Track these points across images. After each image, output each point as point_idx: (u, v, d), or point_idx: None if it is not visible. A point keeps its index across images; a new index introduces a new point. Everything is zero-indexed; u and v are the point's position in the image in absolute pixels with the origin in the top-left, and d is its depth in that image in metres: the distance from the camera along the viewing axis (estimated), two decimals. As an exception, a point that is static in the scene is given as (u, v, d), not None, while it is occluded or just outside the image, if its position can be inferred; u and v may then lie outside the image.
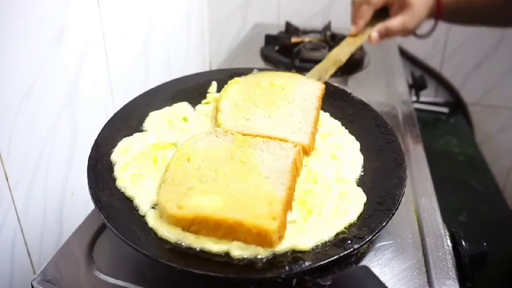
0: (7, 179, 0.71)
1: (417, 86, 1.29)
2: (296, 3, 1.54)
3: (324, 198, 0.56)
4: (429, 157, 0.80)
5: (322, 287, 0.47)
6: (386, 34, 0.92)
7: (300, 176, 0.60)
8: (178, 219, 0.51)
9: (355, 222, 0.54)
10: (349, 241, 0.50)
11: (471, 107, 1.56)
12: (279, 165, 0.57)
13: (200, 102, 0.75)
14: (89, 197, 0.54)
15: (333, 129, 0.70)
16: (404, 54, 1.50)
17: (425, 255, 0.58)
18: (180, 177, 0.55)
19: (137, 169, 0.60)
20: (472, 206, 1.12)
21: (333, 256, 0.48)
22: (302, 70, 1.08)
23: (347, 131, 0.70)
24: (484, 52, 1.48)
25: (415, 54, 1.52)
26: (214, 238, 0.50)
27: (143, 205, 0.55)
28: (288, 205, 0.53)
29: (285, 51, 1.18)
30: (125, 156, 0.62)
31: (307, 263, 0.47)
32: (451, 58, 1.52)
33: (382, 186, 0.59)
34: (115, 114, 0.69)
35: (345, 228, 0.53)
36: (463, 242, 0.61)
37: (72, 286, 0.54)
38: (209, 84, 0.79)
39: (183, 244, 0.50)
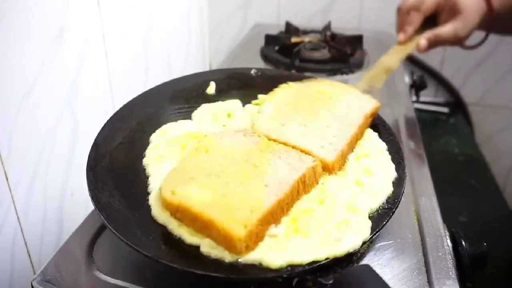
0: (7, 179, 0.71)
1: (417, 86, 1.29)
2: (296, 3, 1.54)
3: (320, 222, 0.52)
4: (429, 157, 0.80)
5: (324, 286, 0.47)
6: (435, 42, 0.87)
7: (310, 193, 0.57)
8: (167, 203, 0.53)
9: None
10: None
11: (471, 107, 1.56)
12: (287, 176, 0.55)
13: (198, 103, 0.75)
14: (89, 197, 0.54)
15: (373, 151, 0.64)
16: (404, 54, 1.49)
17: (425, 255, 0.58)
18: (190, 166, 0.57)
19: (164, 152, 0.63)
20: (472, 206, 1.12)
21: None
22: (302, 70, 1.08)
23: (389, 156, 0.64)
24: (484, 52, 1.48)
25: (415, 54, 1.52)
26: (193, 229, 0.51)
27: (154, 182, 0.58)
28: (271, 218, 0.51)
29: (285, 51, 1.18)
30: (160, 138, 0.66)
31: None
32: (451, 58, 1.52)
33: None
34: (114, 115, 0.69)
35: (326, 259, 0.48)
36: (463, 242, 0.61)
37: (72, 286, 0.54)
38: (207, 84, 0.79)
39: (168, 227, 0.52)
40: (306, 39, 1.23)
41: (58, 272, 0.55)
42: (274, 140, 0.63)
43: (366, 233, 0.51)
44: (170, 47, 1.29)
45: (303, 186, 0.56)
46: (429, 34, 0.87)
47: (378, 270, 0.55)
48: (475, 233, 1.00)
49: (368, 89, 0.78)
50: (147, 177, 0.60)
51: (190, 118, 0.72)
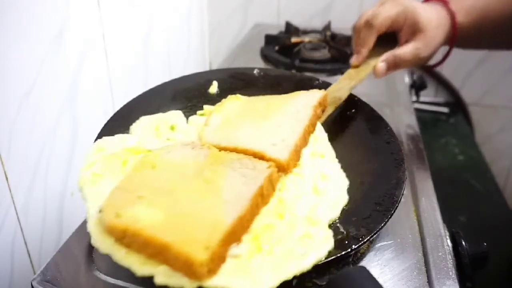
0: (7, 179, 0.71)
1: (417, 86, 1.29)
2: (296, 3, 1.54)
3: (282, 237, 0.48)
4: (429, 157, 0.80)
5: (319, 287, 0.47)
6: (395, 65, 0.77)
7: (269, 204, 0.52)
8: (111, 227, 0.46)
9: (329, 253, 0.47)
10: (346, 241, 0.50)
11: (471, 107, 1.56)
12: (244, 189, 0.50)
13: (201, 102, 0.75)
14: (89, 197, 0.54)
15: (327, 152, 0.63)
16: (404, 54, 1.49)
17: (425, 255, 0.58)
18: (135, 184, 0.51)
19: (101, 169, 0.55)
20: (472, 206, 1.12)
21: (330, 257, 0.48)
22: (302, 70, 1.08)
23: (339, 164, 0.62)
24: (484, 52, 1.48)
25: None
26: (144, 256, 0.45)
27: (92, 206, 0.50)
28: (233, 237, 0.46)
29: (285, 51, 1.19)
30: (96, 154, 0.58)
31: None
32: (451, 58, 1.51)
33: (381, 186, 0.58)
34: (115, 114, 0.69)
35: (295, 276, 0.44)
36: (463, 242, 0.61)
37: (72, 286, 0.54)
38: (209, 84, 0.79)
39: (113, 257, 0.45)
40: (306, 39, 1.24)
41: (58, 272, 0.55)
42: (224, 148, 0.59)
43: (330, 244, 0.48)
44: (170, 47, 1.29)
45: (261, 199, 0.51)
46: (387, 55, 0.77)
47: (378, 270, 0.55)
48: (475, 233, 1.00)
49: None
50: (84, 201, 0.52)
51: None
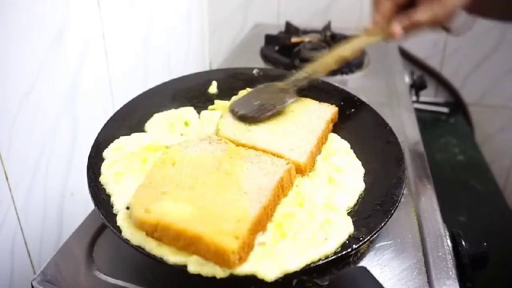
0: (7, 179, 0.71)
1: (417, 86, 1.29)
2: (296, 3, 1.54)
3: (304, 224, 0.51)
4: (429, 157, 0.80)
5: (320, 287, 0.47)
6: (411, 27, 0.74)
7: (288, 196, 0.56)
8: (142, 222, 0.49)
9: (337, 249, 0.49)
10: (347, 241, 0.50)
11: (471, 107, 1.56)
12: (264, 181, 0.54)
13: (201, 102, 0.75)
14: (89, 197, 0.54)
15: (339, 150, 0.66)
16: (404, 54, 1.49)
17: (425, 255, 0.58)
18: (158, 181, 0.54)
19: (123, 168, 0.59)
20: (472, 206, 1.12)
21: (331, 256, 0.48)
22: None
23: (354, 155, 0.66)
24: (484, 52, 1.48)
25: (415, 54, 1.52)
26: (175, 248, 0.47)
27: (118, 203, 0.54)
28: (259, 225, 0.49)
29: (285, 51, 1.18)
30: (116, 154, 0.62)
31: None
32: (451, 58, 1.52)
33: (381, 186, 0.59)
34: (115, 114, 0.69)
35: (320, 259, 0.47)
36: (463, 242, 0.61)
37: (72, 286, 0.54)
38: (209, 84, 0.79)
39: (145, 248, 0.48)
40: (306, 39, 1.23)
41: (58, 272, 0.55)
42: (243, 145, 0.62)
43: (350, 228, 0.52)
44: (170, 47, 1.29)
45: (281, 190, 0.55)
46: (403, 18, 0.74)
47: (378, 270, 0.55)
48: (475, 233, 1.00)
49: (309, 76, 0.74)
50: (109, 196, 0.56)
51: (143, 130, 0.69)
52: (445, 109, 1.53)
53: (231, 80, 0.81)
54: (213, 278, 0.46)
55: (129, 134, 0.67)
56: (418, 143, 0.84)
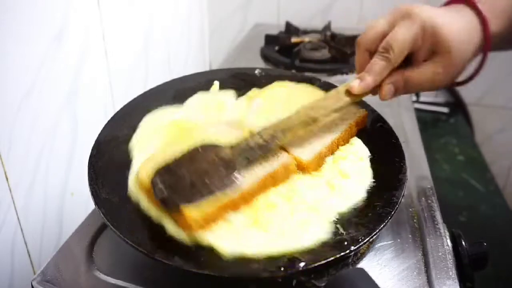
0: (7, 179, 0.71)
1: (417, 86, 1.28)
2: (296, 3, 1.54)
3: (281, 217, 0.52)
4: (429, 157, 0.80)
5: None
6: (404, 88, 0.62)
7: (280, 187, 0.57)
8: (141, 184, 0.54)
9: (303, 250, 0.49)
10: (345, 242, 0.50)
11: (471, 107, 1.56)
12: (262, 168, 0.56)
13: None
14: (89, 197, 0.54)
15: (352, 155, 0.64)
16: (404, 54, 1.49)
17: (425, 255, 0.58)
18: (169, 152, 0.57)
19: (149, 136, 0.65)
20: (472, 206, 1.12)
21: (329, 258, 0.48)
22: (302, 70, 1.08)
23: (368, 163, 0.63)
24: (484, 52, 1.48)
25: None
26: (160, 211, 0.52)
27: (135, 165, 0.60)
28: (229, 205, 0.52)
29: (285, 51, 1.19)
30: (149, 123, 0.68)
31: (301, 264, 0.47)
32: (451, 58, 1.52)
33: (381, 187, 0.59)
34: (117, 113, 0.69)
35: (284, 255, 0.48)
36: (463, 242, 0.61)
37: (72, 286, 0.54)
38: (211, 84, 0.79)
39: (140, 205, 0.54)
40: (306, 39, 1.24)
41: (58, 272, 0.55)
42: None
43: (324, 236, 0.51)
44: (170, 47, 1.29)
45: (271, 180, 0.56)
46: (396, 77, 0.61)
47: (377, 270, 0.55)
48: (475, 233, 1.00)
49: (264, 143, 0.59)
50: (131, 160, 0.61)
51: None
52: (445, 109, 1.53)
53: (233, 80, 0.81)
54: (213, 278, 0.46)
55: (131, 134, 0.67)
56: (418, 143, 0.84)
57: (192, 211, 0.48)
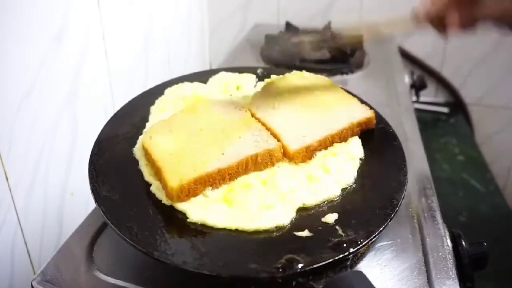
0: (7, 179, 0.71)
1: (417, 86, 1.29)
2: (296, 3, 1.54)
3: (251, 198, 0.56)
4: (429, 157, 0.80)
5: None
6: (472, 22, 0.59)
7: (263, 172, 0.60)
8: (144, 147, 0.61)
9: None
10: (344, 244, 0.50)
11: (471, 107, 1.56)
12: (244, 150, 0.59)
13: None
14: (89, 197, 0.54)
15: (344, 153, 0.64)
16: (404, 54, 1.49)
17: (425, 255, 0.58)
18: (175, 122, 0.64)
19: (169, 105, 0.71)
20: (472, 206, 1.12)
21: (328, 260, 0.48)
22: (302, 70, 1.08)
23: (357, 165, 0.62)
24: (484, 52, 1.48)
25: (415, 54, 1.52)
26: (152, 171, 0.59)
27: (148, 127, 0.67)
28: (207, 181, 0.56)
29: (285, 51, 1.18)
30: (172, 93, 0.74)
31: (300, 265, 0.47)
32: (451, 58, 1.52)
33: (382, 189, 0.58)
34: (118, 111, 0.70)
35: (236, 228, 0.52)
36: (463, 242, 0.61)
37: (72, 286, 0.54)
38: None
39: (139, 162, 0.61)
40: (306, 39, 1.23)
41: (58, 272, 0.55)
42: (257, 118, 0.67)
43: (283, 220, 0.53)
44: (170, 47, 1.29)
45: (253, 164, 0.59)
46: (463, 10, 0.58)
47: (378, 270, 0.55)
48: (475, 233, 1.00)
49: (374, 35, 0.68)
50: (146, 123, 0.67)
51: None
52: (445, 109, 1.53)
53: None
54: (212, 278, 0.46)
55: (132, 132, 0.67)
56: (418, 143, 0.84)
57: (173, 181, 0.54)
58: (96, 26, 0.91)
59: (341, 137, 0.66)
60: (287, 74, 0.79)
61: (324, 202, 0.57)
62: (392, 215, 0.54)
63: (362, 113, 0.69)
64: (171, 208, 0.55)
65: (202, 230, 0.53)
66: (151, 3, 1.14)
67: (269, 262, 0.48)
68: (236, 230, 0.52)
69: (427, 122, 1.47)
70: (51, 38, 0.78)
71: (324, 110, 0.69)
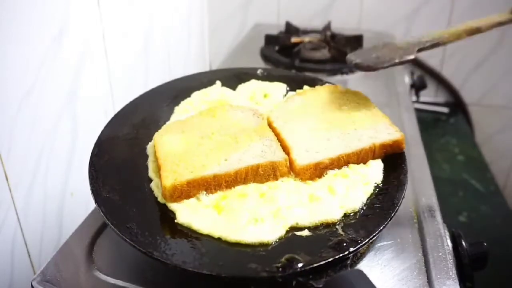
0: (7, 179, 0.71)
1: (417, 86, 1.29)
2: (296, 3, 1.54)
3: (242, 208, 0.54)
4: (429, 157, 0.80)
5: None
6: None
7: (264, 184, 0.57)
8: (154, 140, 0.62)
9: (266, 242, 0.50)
10: (344, 244, 0.50)
11: (471, 107, 1.56)
12: (247, 159, 0.57)
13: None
14: (89, 197, 0.54)
15: (358, 176, 0.59)
16: (404, 54, 1.49)
17: (425, 255, 0.58)
18: (191, 123, 0.65)
19: (193, 107, 0.72)
20: (472, 206, 1.12)
21: (328, 259, 0.48)
22: (302, 70, 1.08)
23: (370, 190, 0.58)
24: (484, 52, 1.48)
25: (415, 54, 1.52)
26: (156, 167, 0.59)
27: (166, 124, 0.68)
28: (201, 184, 0.55)
29: (285, 51, 1.19)
30: (199, 96, 0.75)
31: (300, 265, 0.47)
32: (451, 58, 1.52)
33: (382, 188, 0.59)
34: (118, 112, 0.70)
35: (218, 237, 0.51)
36: (463, 242, 0.61)
37: (72, 286, 0.54)
38: (213, 83, 0.79)
39: (149, 158, 0.62)
40: (306, 39, 1.24)
41: (58, 272, 0.55)
42: (272, 128, 0.65)
43: (268, 237, 0.51)
44: (170, 47, 1.29)
45: (254, 175, 0.57)
46: None
47: (378, 270, 0.55)
48: (475, 233, 1.00)
49: (433, 41, 0.66)
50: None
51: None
52: (445, 109, 1.53)
53: (235, 80, 0.81)
54: (212, 278, 0.46)
55: (132, 133, 0.67)
56: (418, 143, 0.84)
57: (168, 181, 0.54)
58: (96, 26, 0.91)
59: (359, 157, 0.61)
60: (318, 87, 0.75)
61: (320, 224, 0.53)
62: (392, 215, 0.54)
63: (388, 135, 0.63)
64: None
65: (196, 232, 0.52)
66: (151, 3, 1.14)
67: (269, 261, 0.48)
68: (219, 239, 0.51)
69: (427, 122, 1.47)
70: (51, 38, 0.78)
71: (347, 127, 0.65)
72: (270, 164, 0.57)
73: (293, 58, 1.11)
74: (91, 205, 0.54)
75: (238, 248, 0.50)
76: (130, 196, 0.57)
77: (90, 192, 0.55)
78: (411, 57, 0.66)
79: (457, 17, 1.45)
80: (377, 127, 0.65)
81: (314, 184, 0.58)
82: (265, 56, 1.19)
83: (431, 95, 1.57)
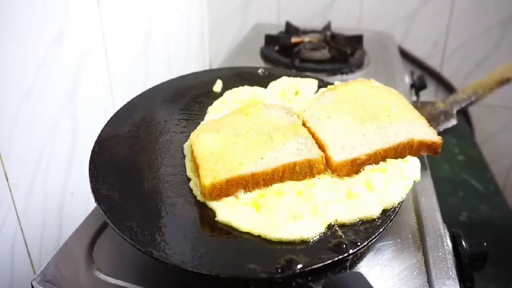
0: (7, 179, 0.71)
1: (417, 86, 1.29)
2: (296, 3, 1.54)
3: (280, 206, 0.54)
4: (429, 157, 0.80)
5: None
6: None
7: (300, 182, 0.57)
8: (190, 140, 0.63)
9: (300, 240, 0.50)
10: (344, 246, 0.50)
11: (471, 107, 1.56)
12: (283, 157, 0.57)
13: (204, 101, 0.75)
14: (89, 197, 0.54)
15: (396, 170, 0.59)
16: (404, 54, 1.50)
17: (425, 255, 0.58)
18: (225, 122, 0.65)
19: (226, 106, 0.73)
20: (472, 206, 1.12)
21: (327, 260, 0.48)
22: (302, 70, 1.08)
23: (409, 186, 0.58)
24: (484, 52, 1.48)
25: (415, 54, 1.52)
26: (194, 167, 0.60)
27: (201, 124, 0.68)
28: (240, 183, 0.55)
29: (285, 51, 1.18)
30: (232, 95, 0.75)
31: (299, 266, 0.47)
32: (451, 58, 1.52)
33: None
34: (119, 110, 0.70)
35: (258, 236, 0.51)
36: (463, 242, 0.61)
37: (72, 286, 0.54)
38: (214, 82, 0.79)
39: (186, 156, 0.63)
40: (306, 39, 1.23)
41: (58, 272, 0.55)
42: (307, 127, 0.64)
43: (308, 234, 0.51)
44: (170, 47, 1.29)
45: (290, 172, 0.57)
46: None
47: (378, 270, 0.55)
48: (475, 233, 1.00)
49: (469, 98, 0.72)
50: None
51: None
52: (445, 109, 1.53)
53: (236, 79, 0.81)
54: (212, 278, 0.46)
55: (132, 131, 0.67)
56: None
57: (206, 179, 0.54)
58: (96, 26, 0.91)
59: (397, 153, 0.60)
60: (351, 82, 0.73)
61: (359, 220, 0.53)
62: (392, 217, 0.54)
63: (427, 134, 0.62)
64: (171, 207, 0.55)
65: (203, 232, 0.53)
66: (151, 3, 1.14)
67: (269, 262, 0.48)
68: (259, 236, 0.51)
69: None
70: (51, 38, 0.78)
71: (383, 122, 0.64)
72: (306, 162, 0.57)
73: (293, 58, 1.11)
74: (91, 205, 0.54)
75: (246, 242, 0.51)
76: (130, 194, 0.57)
77: (90, 191, 0.55)
78: (453, 122, 0.73)
79: (457, 17, 1.45)
80: (414, 124, 0.64)
81: (352, 180, 0.58)
82: (265, 56, 1.19)
83: (431, 95, 1.57)
